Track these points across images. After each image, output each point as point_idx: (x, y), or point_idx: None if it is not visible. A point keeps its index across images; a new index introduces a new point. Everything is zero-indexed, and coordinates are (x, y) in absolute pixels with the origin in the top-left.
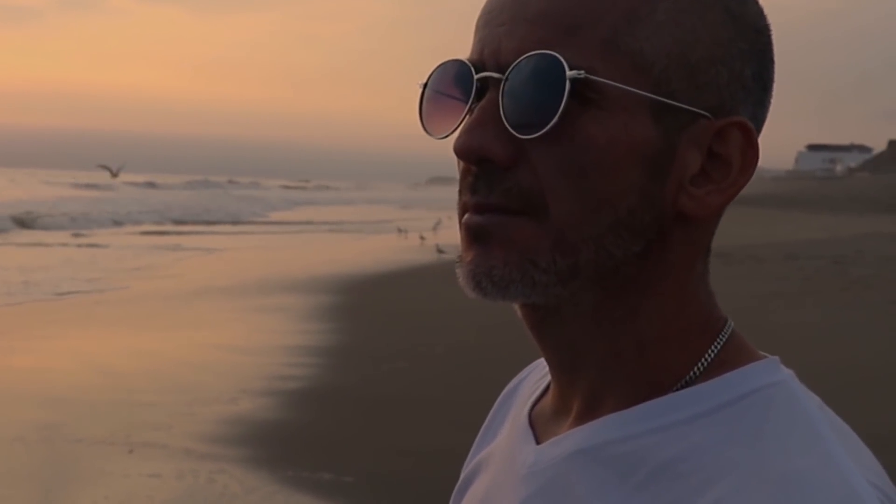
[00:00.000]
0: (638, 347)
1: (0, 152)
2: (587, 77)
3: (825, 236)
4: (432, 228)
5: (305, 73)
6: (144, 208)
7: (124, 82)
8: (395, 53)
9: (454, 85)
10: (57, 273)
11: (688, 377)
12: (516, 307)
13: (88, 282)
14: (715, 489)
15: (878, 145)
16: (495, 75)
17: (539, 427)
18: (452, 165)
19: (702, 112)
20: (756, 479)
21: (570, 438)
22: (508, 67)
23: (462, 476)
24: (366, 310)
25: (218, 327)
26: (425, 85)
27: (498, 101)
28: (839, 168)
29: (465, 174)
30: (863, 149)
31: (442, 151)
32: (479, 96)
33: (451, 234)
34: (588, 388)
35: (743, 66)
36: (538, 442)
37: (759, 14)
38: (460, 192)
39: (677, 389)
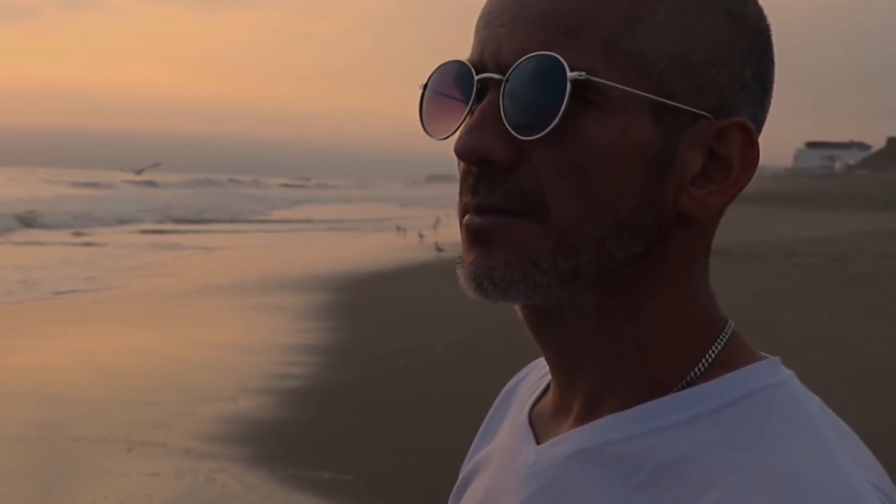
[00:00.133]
0: (639, 348)
1: None
2: (588, 78)
3: (824, 234)
4: (431, 226)
5: (304, 70)
6: (145, 207)
7: (123, 80)
8: (393, 51)
9: (454, 86)
10: (56, 272)
11: (688, 378)
12: (517, 308)
13: (87, 280)
14: (716, 490)
15: (877, 142)
16: (496, 76)
17: (539, 427)
18: (450, 163)
19: (702, 113)
20: (757, 480)
21: (571, 439)
22: (509, 68)
23: (461, 476)
24: (365, 308)
25: (217, 326)
26: (425, 86)
27: (498, 102)
28: (838, 165)
29: (465, 175)
30: (862, 146)
31: (440, 149)
32: (479, 97)
33: (450, 232)
34: (589, 389)
35: (743, 67)
36: (538, 442)
37: (760, 14)
38: (461, 193)
39: (678, 390)
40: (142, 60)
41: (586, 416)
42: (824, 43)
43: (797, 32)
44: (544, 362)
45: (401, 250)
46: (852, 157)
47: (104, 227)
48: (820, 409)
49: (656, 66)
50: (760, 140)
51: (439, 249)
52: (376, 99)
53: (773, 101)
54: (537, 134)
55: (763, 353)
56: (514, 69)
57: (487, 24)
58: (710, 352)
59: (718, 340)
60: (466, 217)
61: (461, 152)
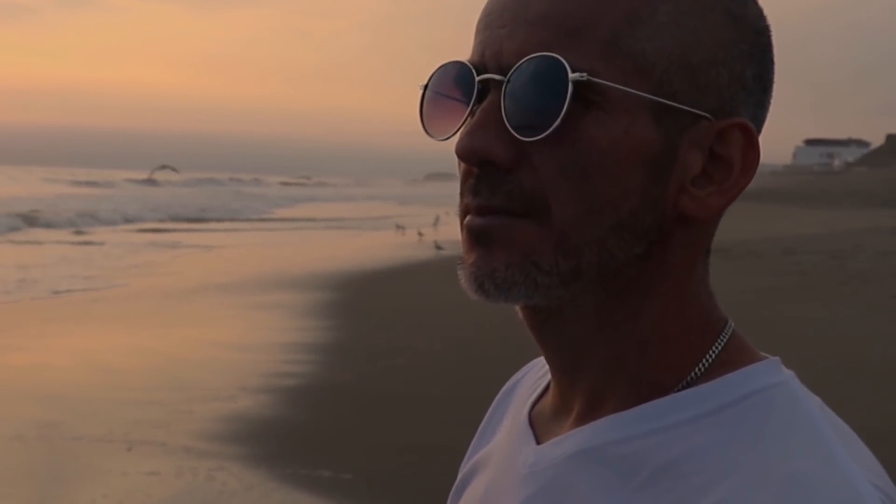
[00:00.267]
0: (639, 348)
1: None
2: (589, 79)
3: (823, 231)
4: (431, 225)
5: (303, 69)
6: (145, 206)
7: (122, 79)
8: (391, 50)
9: (455, 87)
10: (55, 270)
11: (689, 378)
12: (517, 308)
13: (86, 279)
14: (717, 490)
15: (876, 140)
16: (497, 77)
17: (539, 427)
18: (450, 161)
19: (703, 113)
20: (758, 480)
21: (571, 439)
22: (510, 69)
23: (459, 475)
24: (364, 306)
25: (216, 324)
26: (426, 86)
27: (500, 103)
28: (837, 163)
29: (466, 176)
30: (861, 143)
31: (439, 147)
32: (480, 98)
33: (449, 231)
34: (589, 389)
35: (744, 68)
36: (538, 442)
37: (760, 15)
38: (462, 193)
39: (679, 390)
40: (141, 59)
41: (587, 416)
42: (824, 40)
43: (796, 29)
44: (543, 362)
45: (400, 248)
46: (851, 155)
47: (105, 226)
48: (820, 409)
49: (657, 67)
50: (759, 137)
51: (438, 248)
52: (376, 97)
53: (772, 98)
54: (539, 135)
55: (763, 353)
56: (515, 70)
57: (488, 24)
58: (711, 352)
59: (719, 340)
60: (467, 218)
61: (462, 153)
